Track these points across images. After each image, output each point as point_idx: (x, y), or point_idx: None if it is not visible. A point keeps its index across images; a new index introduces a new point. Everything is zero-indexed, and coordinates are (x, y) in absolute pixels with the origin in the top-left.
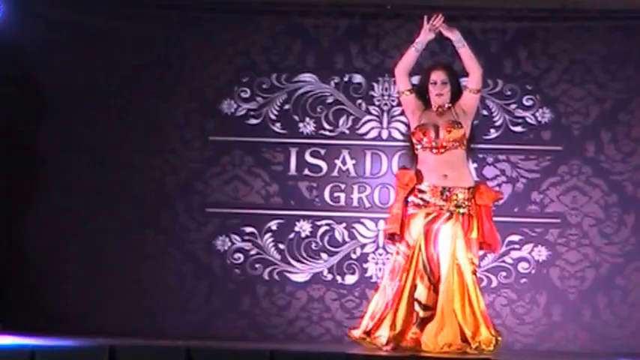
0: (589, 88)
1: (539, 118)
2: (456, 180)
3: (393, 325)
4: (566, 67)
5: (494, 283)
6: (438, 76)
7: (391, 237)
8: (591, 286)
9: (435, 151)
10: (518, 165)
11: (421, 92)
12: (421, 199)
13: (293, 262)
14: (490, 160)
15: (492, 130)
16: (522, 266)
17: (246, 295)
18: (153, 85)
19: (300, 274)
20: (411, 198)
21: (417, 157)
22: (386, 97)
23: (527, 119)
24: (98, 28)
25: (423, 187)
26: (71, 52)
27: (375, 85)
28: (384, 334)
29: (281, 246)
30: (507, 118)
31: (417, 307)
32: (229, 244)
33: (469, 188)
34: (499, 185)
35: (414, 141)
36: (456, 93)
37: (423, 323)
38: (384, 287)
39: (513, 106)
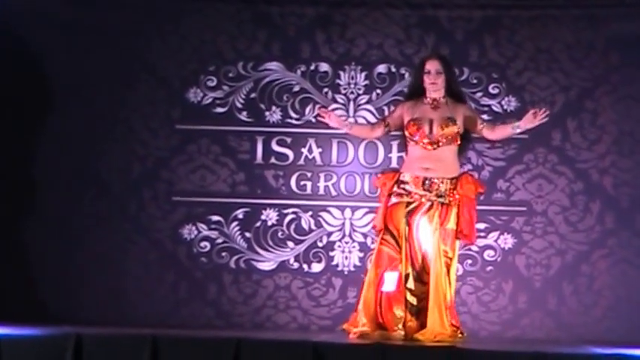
0: (555, 77)
1: (505, 107)
2: (439, 171)
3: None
4: (532, 56)
5: (460, 271)
6: (432, 65)
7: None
8: (557, 274)
9: (428, 147)
10: (484, 153)
11: (415, 85)
12: (403, 189)
13: (259, 251)
14: None
15: None
16: (488, 254)
17: (212, 283)
18: (119, 73)
19: (267, 262)
20: (394, 189)
21: (407, 147)
22: (352, 86)
23: (493, 107)
24: (63, 17)
25: (405, 178)
26: (35, 42)
27: (342, 73)
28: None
29: (247, 234)
30: (473, 106)
31: (409, 296)
32: (196, 232)
33: (452, 179)
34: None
35: (407, 134)
36: (451, 85)
37: (418, 312)
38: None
39: (479, 94)
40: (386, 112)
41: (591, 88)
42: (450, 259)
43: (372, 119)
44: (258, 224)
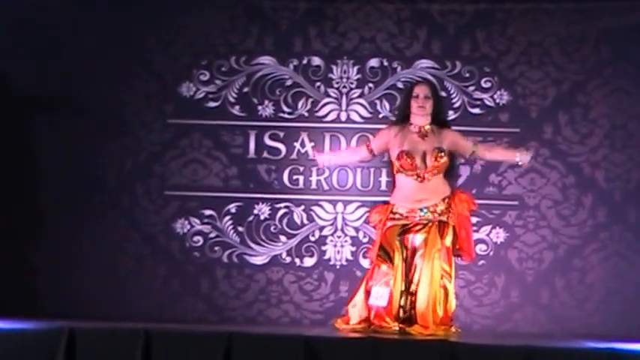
0: (547, 70)
1: (497, 100)
2: (432, 199)
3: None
4: (524, 49)
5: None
6: (421, 90)
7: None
8: (549, 268)
9: (418, 179)
10: None
11: (402, 109)
12: (399, 213)
13: (252, 245)
14: None
15: (451, 112)
16: (480, 248)
17: (205, 277)
18: (111, 68)
19: (259, 256)
20: (387, 222)
21: (395, 176)
22: (344, 80)
23: (485, 101)
24: (55, 12)
25: (399, 210)
26: (27, 38)
27: (334, 67)
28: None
29: (240, 229)
30: (465, 99)
31: (400, 311)
32: (188, 226)
33: (444, 198)
34: (457, 167)
35: (397, 165)
36: (438, 111)
37: (409, 320)
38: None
39: (471, 88)
40: (378, 107)
41: (583, 82)
42: (449, 274)
43: (365, 113)
44: (251, 218)
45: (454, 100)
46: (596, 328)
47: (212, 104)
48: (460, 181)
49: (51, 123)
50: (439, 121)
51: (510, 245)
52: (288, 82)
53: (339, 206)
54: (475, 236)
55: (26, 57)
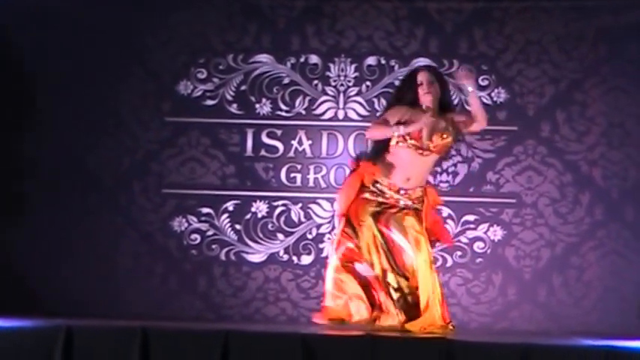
0: (544, 68)
1: (495, 98)
2: (416, 182)
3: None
4: (522, 47)
5: (450, 263)
6: (423, 76)
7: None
8: (546, 266)
9: (418, 150)
10: (474, 145)
11: (407, 97)
12: (377, 189)
13: (249, 243)
14: None
15: None
16: (478, 246)
17: (202, 275)
18: (109, 66)
19: (257, 254)
20: (369, 186)
21: (389, 148)
22: (342, 78)
23: (483, 99)
24: (53, 11)
25: (382, 181)
26: (26, 34)
27: (331, 65)
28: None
29: (237, 226)
30: (463, 98)
31: (392, 291)
32: (186, 224)
33: (422, 187)
34: (455, 165)
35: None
36: (443, 94)
37: (406, 306)
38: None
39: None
40: (376, 105)
41: (581, 80)
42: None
43: (362, 111)
44: (248, 216)
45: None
46: (594, 325)
47: (209, 102)
48: (458, 179)
49: (48, 121)
50: (445, 104)
51: (508, 243)
52: (286, 81)
53: (336, 205)
54: (473, 234)
55: (23, 55)
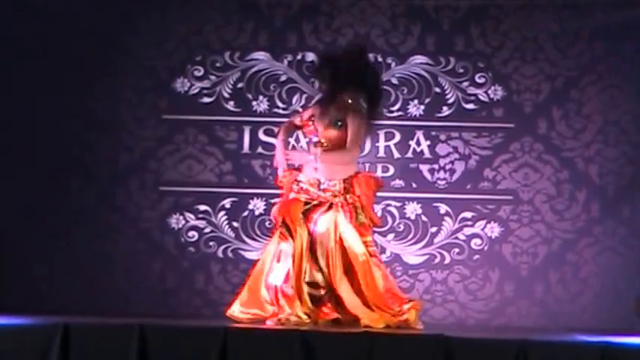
0: (540, 66)
1: (491, 96)
2: (328, 174)
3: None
4: (518, 45)
5: (447, 260)
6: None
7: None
8: (543, 262)
9: (320, 145)
10: (471, 142)
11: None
12: (300, 187)
13: (247, 240)
14: (443, 137)
15: (445, 108)
16: (475, 243)
17: (200, 272)
18: (106, 63)
19: (254, 251)
20: (293, 186)
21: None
22: None
23: (480, 97)
24: (50, 7)
25: (302, 178)
26: (25, 31)
27: None
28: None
29: (235, 224)
30: (460, 95)
31: (306, 287)
32: (183, 222)
33: (345, 180)
34: (452, 162)
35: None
36: (368, 85)
37: (319, 301)
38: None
39: (465, 83)
40: None
41: (577, 78)
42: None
43: None
44: (246, 214)
45: (448, 96)
46: (590, 322)
47: (206, 100)
48: (455, 176)
49: (44, 118)
50: (370, 93)
51: (505, 240)
52: (283, 78)
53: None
54: (470, 231)
55: (19, 53)
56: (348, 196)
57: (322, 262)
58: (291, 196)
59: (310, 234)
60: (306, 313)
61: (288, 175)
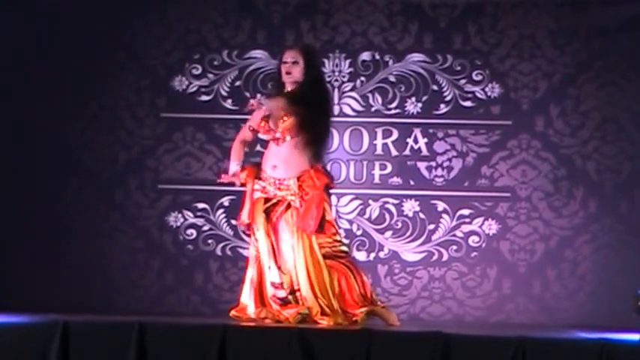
0: (538, 63)
1: (489, 93)
2: (285, 171)
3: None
4: (515, 42)
5: (445, 257)
6: (289, 55)
7: (247, 227)
8: (541, 259)
9: (275, 141)
10: (468, 139)
11: (275, 79)
12: (261, 187)
13: (245, 238)
14: (440, 134)
15: (442, 105)
16: (473, 240)
17: (199, 270)
18: (104, 62)
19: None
20: (255, 185)
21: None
22: (337, 74)
23: (477, 94)
24: (48, 5)
25: (262, 175)
26: (21, 31)
27: (326, 61)
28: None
29: (233, 222)
30: (457, 93)
31: (270, 287)
32: (182, 220)
33: (298, 177)
34: (449, 160)
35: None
36: (312, 77)
37: (284, 302)
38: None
39: (463, 81)
40: (370, 100)
41: (574, 75)
42: (340, 242)
43: (357, 106)
44: None
45: (445, 94)
46: (588, 318)
47: (204, 98)
48: (452, 173)
49: (43, 117)
50: (310, 88)
51: (502, 237)
52: None
53: (332, 199)
54: (467, 228)
55: (17, 53)
56: (303, 194)
57: (285, 264)
58: (255, 195)
59: (273, 234)
60: (270, 312)
61: (251, 173)
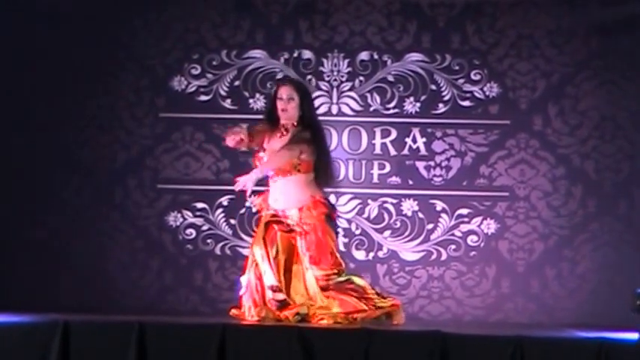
0: (536, 62)
1: (487, 93)
2: (285, 203)
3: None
4: (514, 42)
5: (444, 256)
6: (284, 91)
7: None
8: (540, 258)
9: (274, 177)
10: (467, 139)
11: (270, 110)
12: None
13: (244, 237)
14: (439, 134)
15: (441, 105)
16: (471, 239)
17: (198, 270)
18: (104, 62)
19: None
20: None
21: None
22: (335, 73)
23: (475, 93)
24: (48, 5)
25: (263, 205)
26: (21, 31)
27: (325, 60)
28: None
29: (232, 221)
30: (455, 92)
31: (270, 292)
32: (181, 219)
33: (301, 207)
34: (448, 159)
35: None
36: (306, 113)
37: (284, 305)
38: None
39: (461, 80)
40: (369, 100)
41: (572, 74)
42: (337, 274)
43: (355, 106)
44: (243, 211)
45: (444, 93)
46: (586, 317)
47: (203, 98)
48: (451, 173)
49: (42, 116)
50: (306, 119)
51: (501, 236)
52: (279, 76)
53: (331, 198)
54: (466, 227)
55: (17, 52)
56: (305, 226)
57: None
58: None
59: (269, 243)
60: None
61: (262, 202)
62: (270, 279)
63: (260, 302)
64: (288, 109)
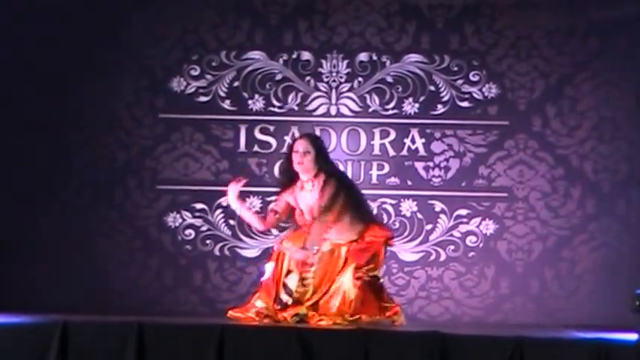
0: (534, 63)
1: (486, 94)
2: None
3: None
4: (512, 43)
5: (443, 257)
6: (299, 144)
7: None
8: (538, 259)
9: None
10: (466, 140)
11: (287, 168)
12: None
13: (243, 238)
14: (437, 135)
15: (439, 106)
16: (470, 240)
17: (197, 270)
18: (103, 62)
19: (251, 249)
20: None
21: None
22: (334, 74)
23: (474, 94)
24: (48, 7)
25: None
26: (20, 30)
27: (324, 61)
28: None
29: (231, 222)
30: (454, 93)
31: (282, 293)
32: (180, 220)
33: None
34: (447, 160)
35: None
36: (323, 166)
37: (284, 307)
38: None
39: (460, 81)
40: (368, 101)
41: (571, 75)
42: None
43: (354, 107)
44: None
45: (443, 94)
46: (586, 318)
47: (203, 99)
48: (450, 173)
49: (41, 117)
50: (323, 172)
51: (500, 237)
52: (278, 77)
53: None
54: (465, 228)
55: (16, 52)
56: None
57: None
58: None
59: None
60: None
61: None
62: (292, 281)
63: (272, 294)
64: (304, 162)
